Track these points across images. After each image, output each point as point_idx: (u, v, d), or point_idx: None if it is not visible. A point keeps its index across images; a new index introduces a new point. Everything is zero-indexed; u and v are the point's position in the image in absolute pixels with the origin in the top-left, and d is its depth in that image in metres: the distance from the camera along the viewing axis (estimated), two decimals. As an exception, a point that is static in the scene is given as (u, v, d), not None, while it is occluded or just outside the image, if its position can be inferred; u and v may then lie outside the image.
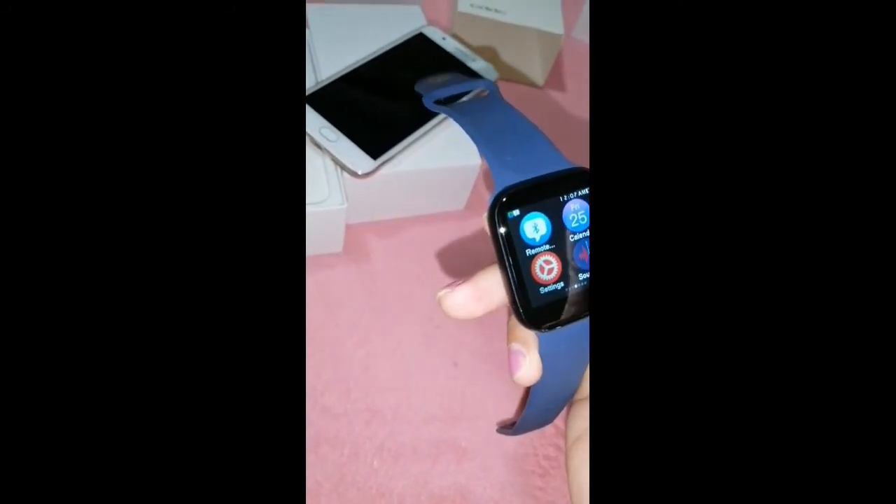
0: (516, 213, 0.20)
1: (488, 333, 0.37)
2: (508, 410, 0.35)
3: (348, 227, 0.39)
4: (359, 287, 0.38)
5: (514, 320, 0.21)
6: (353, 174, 0.34)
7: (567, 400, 0.26)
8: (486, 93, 0.25)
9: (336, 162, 0.35)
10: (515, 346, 0.22)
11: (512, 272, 0.20)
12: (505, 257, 0.20)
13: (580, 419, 0.26)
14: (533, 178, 0.21)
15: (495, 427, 0.34)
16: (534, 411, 0.26)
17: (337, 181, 0.35)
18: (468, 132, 0.22)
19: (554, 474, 0.33)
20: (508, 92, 0.51)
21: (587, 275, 0.21)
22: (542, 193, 0.21)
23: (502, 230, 0.20)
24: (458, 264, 0.40)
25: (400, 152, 0.36)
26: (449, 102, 0.25)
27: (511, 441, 0.33)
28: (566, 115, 0.50)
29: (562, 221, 0.21)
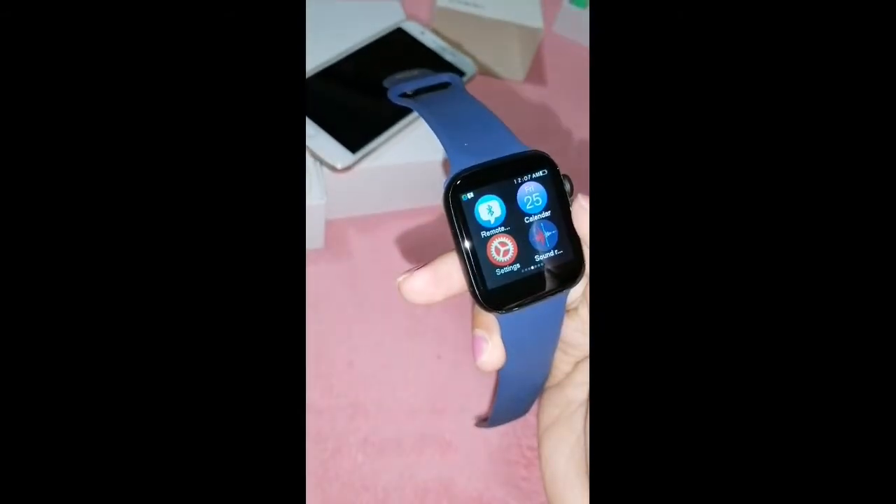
0: (471, 195, 0.20)
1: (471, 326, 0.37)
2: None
3: (329, 223, 0.38)
4: (341, 282, 0.37)
5: (477, 306, 0.21)
6: (333, 168, 0.34)
7: (538, 387, 0.26)
8: (450, 86, 0.25)
9: (315, 157, 0.35)
10: (478, 331, 0.22)
11: (467, 254, 0.20)
12: (460, 240, 0.20)
13: (551, 406, 0.26)
14: (487, 162, 0.21)
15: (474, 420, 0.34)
16: (504, 400, 0.26)
17: (316, 176, 0.35)
18: (427, 120, 0.22)
19: (538, 464, 0.33)
20: (488, 87, 0.51)
21: (543, 256, 0.21)
22: (496, 176, 0.21)
23: (457, 213, 0.20)
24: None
25: (379, 146, 0.36)
26: (415, 96, 0.25)
27: (495, 433, 0.34)
28: (546, 109, 0.50)
29: (517, 203, 0.21)
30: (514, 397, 0.26)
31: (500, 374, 0.23)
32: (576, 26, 0.56)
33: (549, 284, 0.21)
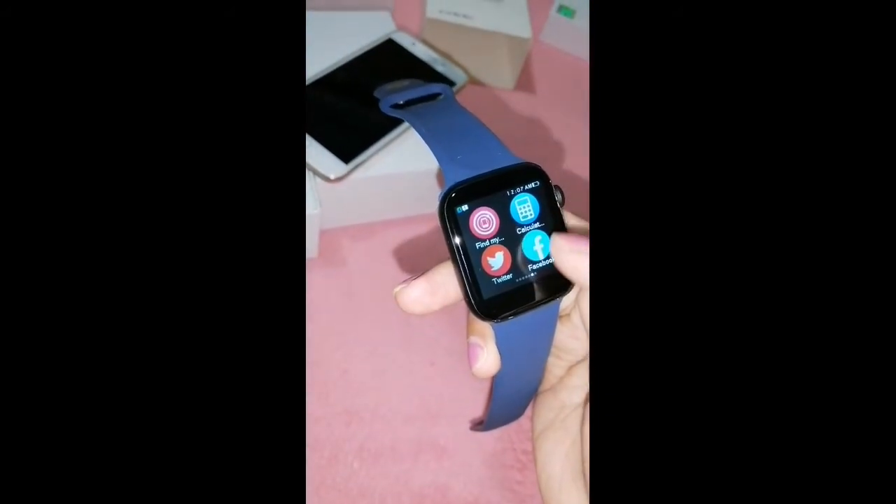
0: (465, 208, 0.21)
1: (464, 333, 0.37)
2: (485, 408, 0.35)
3: (323, 232, 0.39)
4: (335, 291, 0.38)
5: (472, 314, 0.22)
6: (326, 179, 0.35)
7: (532, 391, 0.27)
8: (441, 97, 0.26)
9: (308, 167, 0.35)
10: (473, 339, 0.22)
11: (463, 265, 0.21)
12: (455, 251, 0.21)
13: (546, 410, 0.26)
14: (481, 174, 0.21)
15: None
16: (499, 404, 0.26)
17: (310, 186, 0.35)
18: (420, 133, 0.23)
19: (532, 468, 0.33)
20: (478, 96, 0.51)
21: (536, 266, 0.22)
22: (489, 188, 0.21)
23: (452, 225, 0.21)
24: (433, 266, 0.40)
25: (372, 156, 0.36)
26: (406, 107, 0.25)
27: (489, 437, 0.34)
28: (536, 117, 0.51)
29: (510, 215, 0.21)
30: (509, 401, 0.27)
31: (495, 379, 0.24)
32: (563, 35, 0.57)
33: (542, 293, 0.22)
